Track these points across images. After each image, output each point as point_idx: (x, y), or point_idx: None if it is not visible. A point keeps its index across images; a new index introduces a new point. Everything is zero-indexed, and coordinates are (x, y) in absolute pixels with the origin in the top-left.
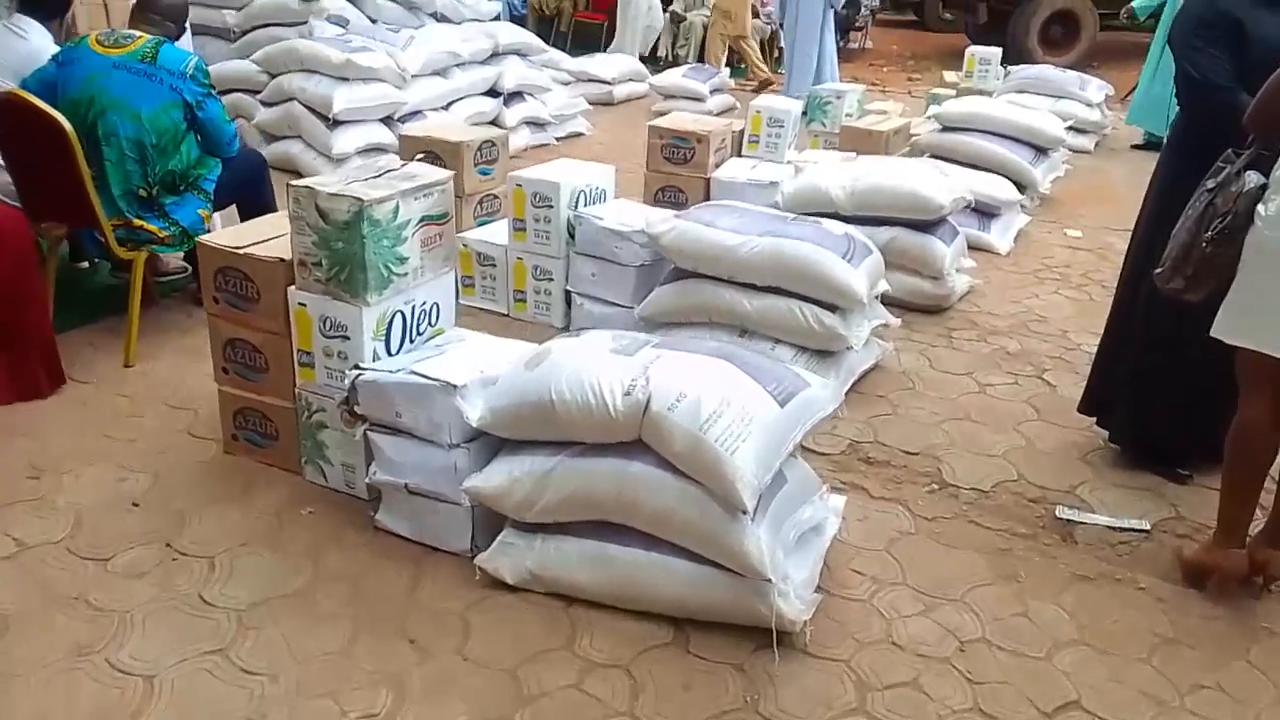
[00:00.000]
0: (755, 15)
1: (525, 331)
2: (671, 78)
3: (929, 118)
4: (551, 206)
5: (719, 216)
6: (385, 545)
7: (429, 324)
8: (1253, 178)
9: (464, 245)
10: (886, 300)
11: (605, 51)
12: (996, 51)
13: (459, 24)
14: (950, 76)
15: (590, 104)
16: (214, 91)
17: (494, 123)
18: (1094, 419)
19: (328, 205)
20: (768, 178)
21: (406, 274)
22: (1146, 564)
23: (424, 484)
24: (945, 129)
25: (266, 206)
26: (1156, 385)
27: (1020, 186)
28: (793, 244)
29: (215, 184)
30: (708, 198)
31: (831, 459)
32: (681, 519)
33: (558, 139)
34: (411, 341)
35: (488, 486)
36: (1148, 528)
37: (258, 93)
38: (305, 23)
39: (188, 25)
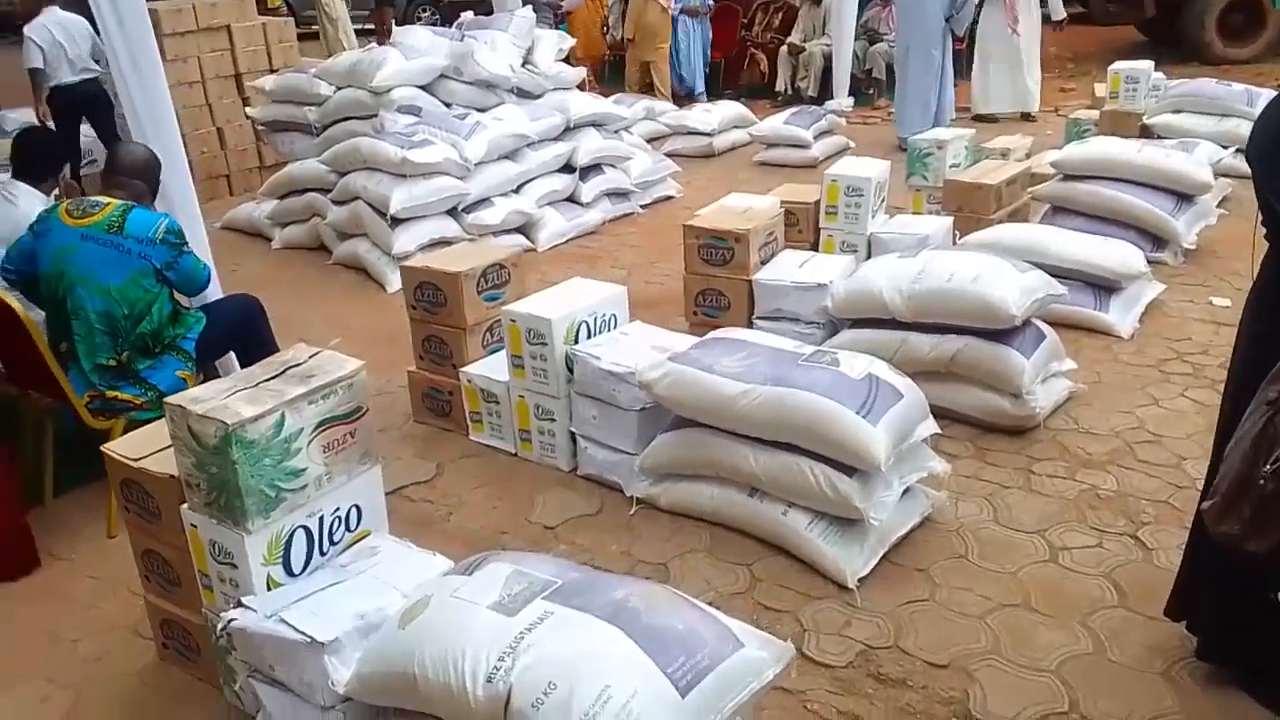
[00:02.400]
0: (872, 41)
1: (533, 473)
2: (773, 125)
3: (1052, 164)
4: (546, 344)
5: (721, 358)
6: None
7: (347, 530)
8: None
9: (468, 380)
10: (961, 419)
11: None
12: (1146, 66)
13: (539, 96)
14: (1101, 90)
15: (690, 157)
16: (186, 248)
17: (571, 199)
18: (1184, 622)
19: (198, 427)
20: (815, 279)
21: (304, 486)
22: None
23: None
24: (1067, 178)
25: (266, 351)
26: (1254, 582)
27: (1159, 241)
28: (798, 395)
29: (198, 341)
30: (751, 302)
31: (834, 673)
32: None
33: (643, 207)
34: (323, 554)
35: None
36: None
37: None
38: (376, 115)
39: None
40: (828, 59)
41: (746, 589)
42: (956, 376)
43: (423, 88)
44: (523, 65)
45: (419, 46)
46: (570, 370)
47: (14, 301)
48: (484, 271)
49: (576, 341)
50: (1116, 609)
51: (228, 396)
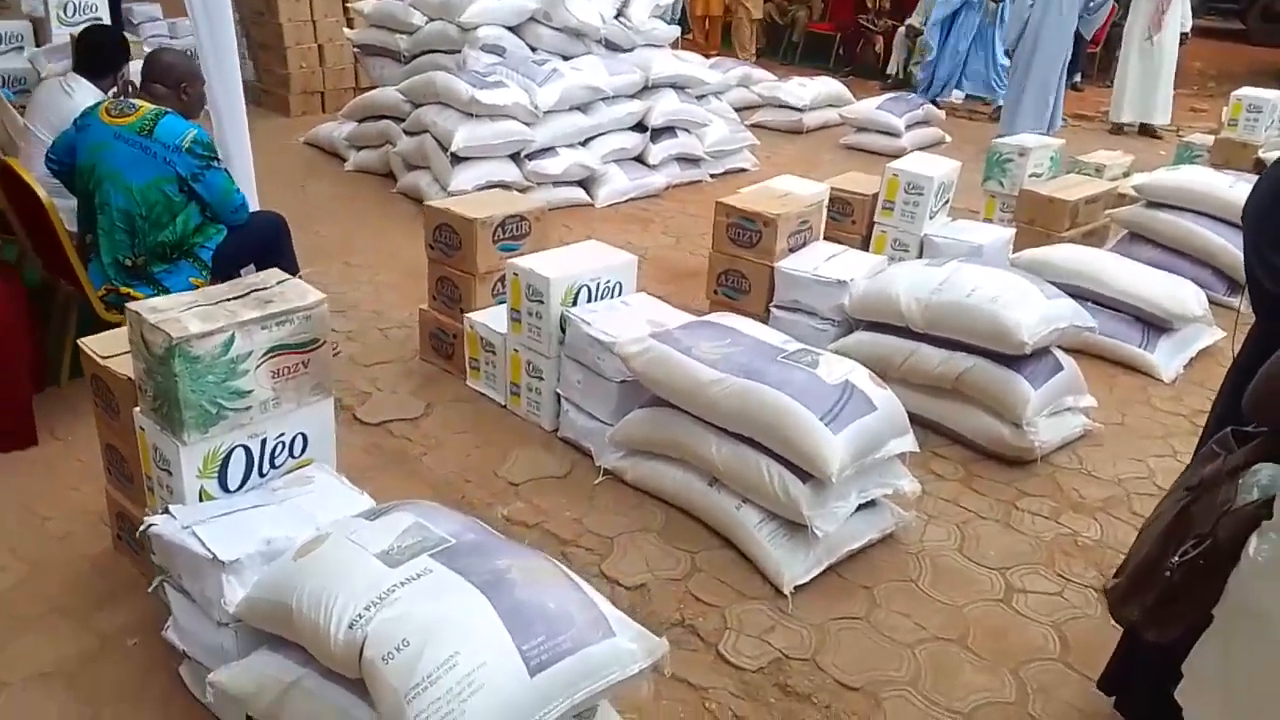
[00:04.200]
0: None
1: (516, 427)
2: (864, 108)
3: (1134, 188)
4: (543, 302)
5: (702, 342)
6: (185, 707)
7: (290, 456)
8: (1257, 481)
9: (471, 326)
10: (958, 440)
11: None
12: (1274, 95)
13: (629, 50)
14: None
15: (778, 131)
16: (215, 162)
17: (639, 159)
18: (1113, 698)
19: (149, 335)
20: (838, 275)
21: (249, 408)
22: None
23: (200, 658)
24: (1150, 204)
25: (285, 268)
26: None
27: (1234, 284)
28: (765, 392)
29: (216, 251)
30: (771, 289)
31: (742, 676)
32: None
33: (713, 176)
34: (262, 475)
35: (233, 685)
36: None
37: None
38: (460, 51)
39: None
40: None
41: (683, 576)
42: (961, 396)
43: (511, 29)
44: (616, 17)
45: None
46: (564, 331)
47: (40, 190)
48: (502, 221)
49: (575, 304)
50: (1054, 662)
51: (184, 310)
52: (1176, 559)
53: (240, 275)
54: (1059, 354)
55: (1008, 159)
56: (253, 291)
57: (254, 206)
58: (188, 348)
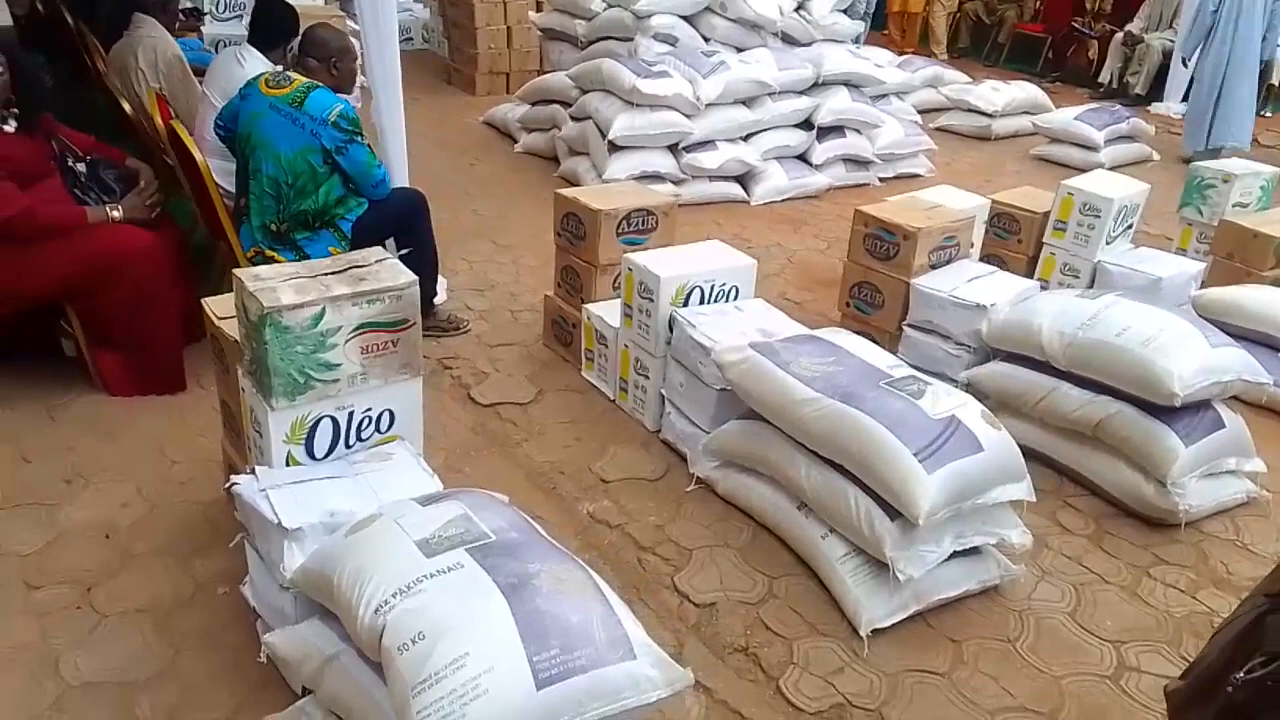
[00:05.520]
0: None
1: (620, 423)
2: (1060, 118)
3: None
4: (652, 299)
5: (803, 358)
6: (253, 661)
7: (377, 431)
8: None
9: (588, 317)
10: (1094, 491)
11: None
12: None
13: (808, 45)
14: None
15: (964, 136)
16: (359, 138)
17: (802, 157)
18: None
19: (247, 302)
20: (978, 298)
21: (337, 380)
22: None
23: (267, 616)
24: None
25: (421, 245)
26: None
27: None
28: (859, 419)
29: (355, 222)
30: (906, 306)
31: (799, 717)
32: None
33: (881, 179)
34: (349, 447)
35: (284, 649)
36: None
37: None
38: (633, 39)
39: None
40: (1167, 55)
41: (757, 601)
42: (1101, 444)
43: (686, 19)
44: (796, 10)
45: None
46: (671, 331)
47: (197, 153)
48: (628, 215)
49: (686, 304)
50: None
51: (284, 281)
52: (1242, 674)
53: (381, 247)
54: (1222, 409)
55: (1209, 184)
56: (351, 268)
57: (404, 183)
58: (279, 317)
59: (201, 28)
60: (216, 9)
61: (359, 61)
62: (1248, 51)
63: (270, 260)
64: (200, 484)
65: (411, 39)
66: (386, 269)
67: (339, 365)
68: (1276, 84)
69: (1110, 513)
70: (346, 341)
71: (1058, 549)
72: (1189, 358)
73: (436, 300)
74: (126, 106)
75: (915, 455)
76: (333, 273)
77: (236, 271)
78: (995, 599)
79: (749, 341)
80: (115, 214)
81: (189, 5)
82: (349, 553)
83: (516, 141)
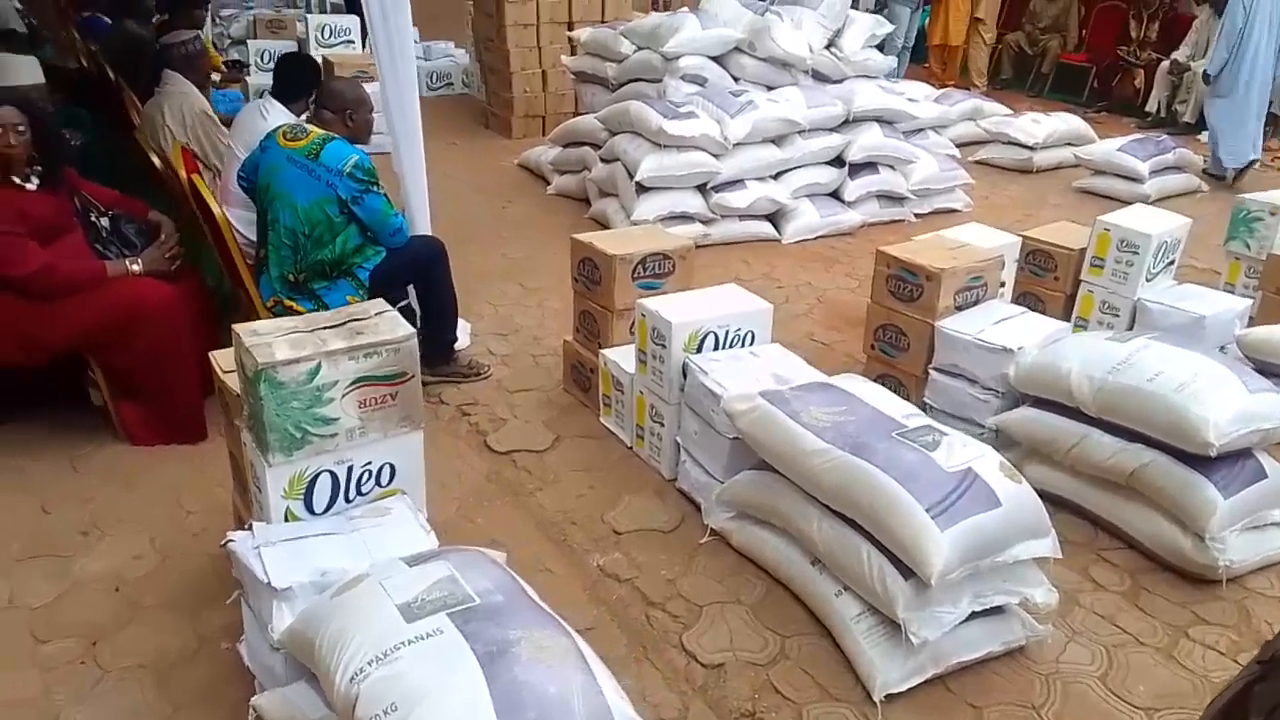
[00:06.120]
0: None
1: (635, 471)
2: (1104, 150)
3: None
4: (665, 346)
5: (814, 407)
6: None
7: (377, 485)
8: None
9: (605, 363)
10: (1130, 544)
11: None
12: None
13: (839, 82)
14: None
15: (1004, 169)
16: (375, 187)
17: (834, 194)
18: None
19: (244, 357)
20: (1004, 341)
21: (334, 435)
22: None
23: (259, 675)
24: None
25: (440, 293)
26: None
27: None
28: (870, 472)
29: (373, 271)
30: (932, 349)
31: None
32: None
33: (917, 215)
34: (349, 501)
35: (269, 712)
36: None
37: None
38: (662, 80)
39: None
40: None
41: (767, 662)
42: (1136, 494)
43: (715, 59)
44: (827, 48)
45: (721, 15)
46: (685, 378)
47: (215, 205)
48: (643, 259)
49: (700, 350)
50: None
51: (281, 335)
52: None
53: (403, 295)
54: (1264, 458)
55: (1256, 217)
56: (350, 321)
57: (426, 230)
58: (273, 373)
59: (246, 78)
60: (260, 60)
61: (375, 113)
62: (1269, 70)
63: (289, 310)
64: (212, 535)
65: (452, 84)
66: (385, 322)
67: (336, 420)
68: None
69: (1147, 567)
70: (343, 396)
71: (1089, 606)
72: (1225, 404)
73: (458, 345)
74: (156, 160)
75: (928, 511)
76: (330, 326)
77: (236, 326)
78: (1020, 661)
79: (759, 390)
80: (135, 268)
81: (234, 59)
82: (333, 615)
83: (549, 184)
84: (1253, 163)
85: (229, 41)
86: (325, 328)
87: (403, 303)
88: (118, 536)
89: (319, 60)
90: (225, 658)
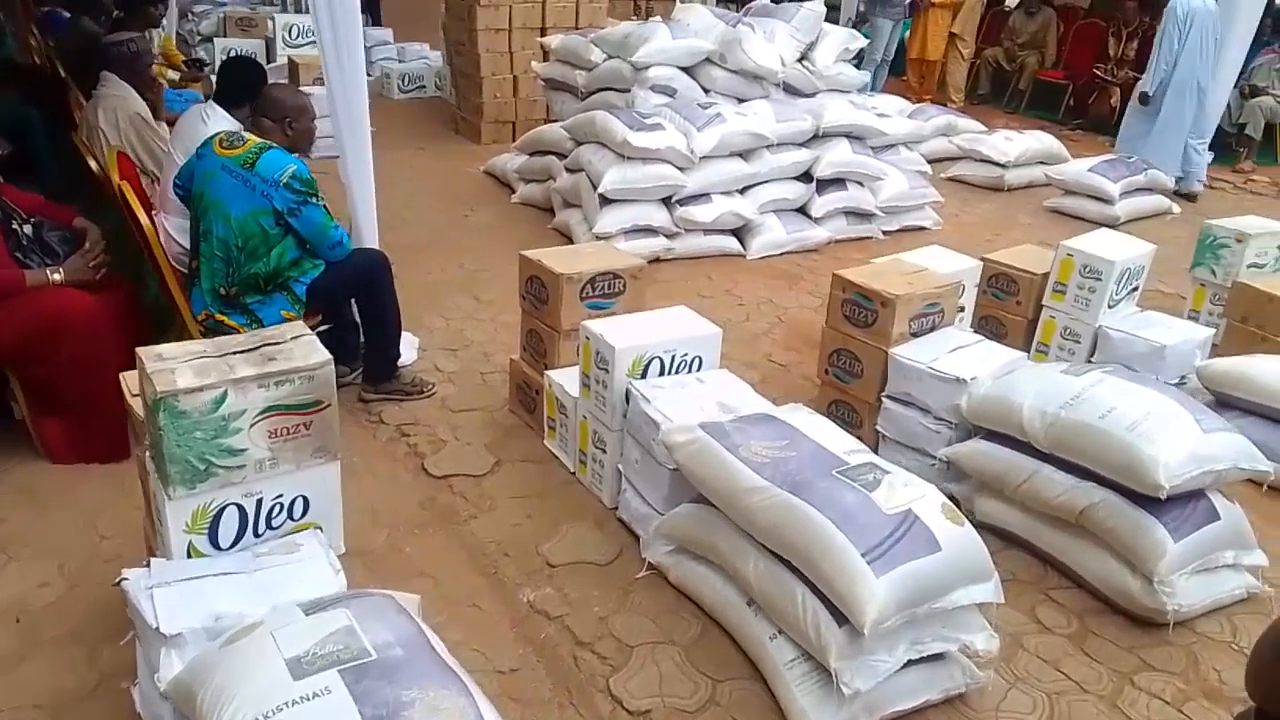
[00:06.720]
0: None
1: (576, 498)
2: (1074, 170)
3: None
4: (608, 370)
5: (754, 440)
6: None
7: (290, 519)
8: None
9: (549, 385)
10: (1079, 584)
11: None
12: None
13: (811, 95)
14: None
15: (976, 187)
16: (314, 199)
17: (802, 210)
18: None
19: (145, 384)
20: (957, 371)
21: (242, 466)
22: None
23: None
24: None
25: (382, 308)
26: None
27: None
28: (806, 512)
29: (310, 285)
30: (885, 376)
31: None
32: None
33: (886, 232)
34: (258, 535)
35: None
36: None
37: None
38: (630, 90)
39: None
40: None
41: (696, 709)
42: (1087, 533)
43: (685, 70)
44: (799, 60)
45: (692, 26)
46: (628, 404)
47: (142, 215)
48: (592, 279)
49: (644, 375)
50: None
51: (187, 360)
52: None
53: (343, 310)
54: (1217, 499)
55: (1222, 244)
56: (264, 345)
57: (374, 243)
58: (174, 402)
59: (211, 77)
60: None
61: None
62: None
63: (221, 324)
64: (126, 563)
65: (425, 87)
66: (300, 347)
67: (244, 451)
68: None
69: (1096, 608)
70: (252, 425)
71: (1034, 651)
72: (1177, 445)
73: (403, 361)
74: (93, 164)
75: (864, 555)
76: (241, 351)
77: (139, 350)
78: (959, 709)
79: (700, 421)
80: (56, 277)
81: (196, 58)
82: (218, 667)
83: (514, 192)
84: (1179, 181)
85: (199, 38)
86: (235, 352)
87: (324, 327)
88: (25, 561)
89: (286, 60)
90: (124, 698)
